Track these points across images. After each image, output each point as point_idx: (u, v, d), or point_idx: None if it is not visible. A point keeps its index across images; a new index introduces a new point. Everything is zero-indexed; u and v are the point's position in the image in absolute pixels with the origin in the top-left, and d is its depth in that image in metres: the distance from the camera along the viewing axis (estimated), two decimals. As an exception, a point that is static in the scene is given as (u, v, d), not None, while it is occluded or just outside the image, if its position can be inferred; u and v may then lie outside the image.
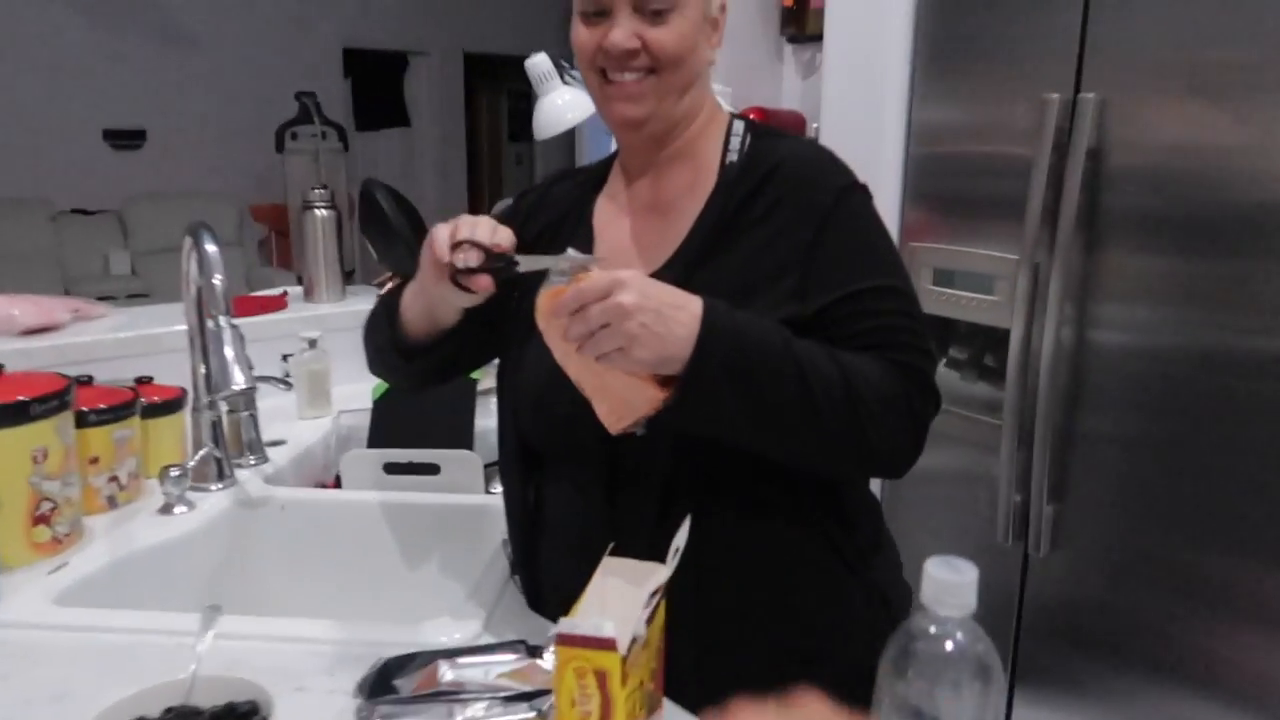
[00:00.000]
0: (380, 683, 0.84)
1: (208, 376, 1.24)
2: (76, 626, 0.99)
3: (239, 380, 1.09)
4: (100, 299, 2.38)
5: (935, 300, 1.83)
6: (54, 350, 1.60)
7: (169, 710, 0.83)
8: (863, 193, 0.93)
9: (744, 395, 0.80)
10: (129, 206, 5.97)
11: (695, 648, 0.88)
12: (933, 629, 0.53)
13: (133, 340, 1.67)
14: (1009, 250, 1.70)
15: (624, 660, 0.64)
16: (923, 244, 1.87)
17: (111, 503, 1.28)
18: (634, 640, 0.66)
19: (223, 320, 1.11)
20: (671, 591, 0.73)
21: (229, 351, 1.10)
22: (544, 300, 0.81)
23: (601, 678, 0.64)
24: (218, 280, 1.12)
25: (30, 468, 1.11)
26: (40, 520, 1.13)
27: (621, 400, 0.81)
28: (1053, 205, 1.60)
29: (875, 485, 1.08)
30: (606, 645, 0.64)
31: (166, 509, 1.26)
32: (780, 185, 0.91)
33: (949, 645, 0.53)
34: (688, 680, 0.84)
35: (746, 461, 0.86)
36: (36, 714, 0.84)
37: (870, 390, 0.83)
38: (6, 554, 1.10)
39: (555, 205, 1.05)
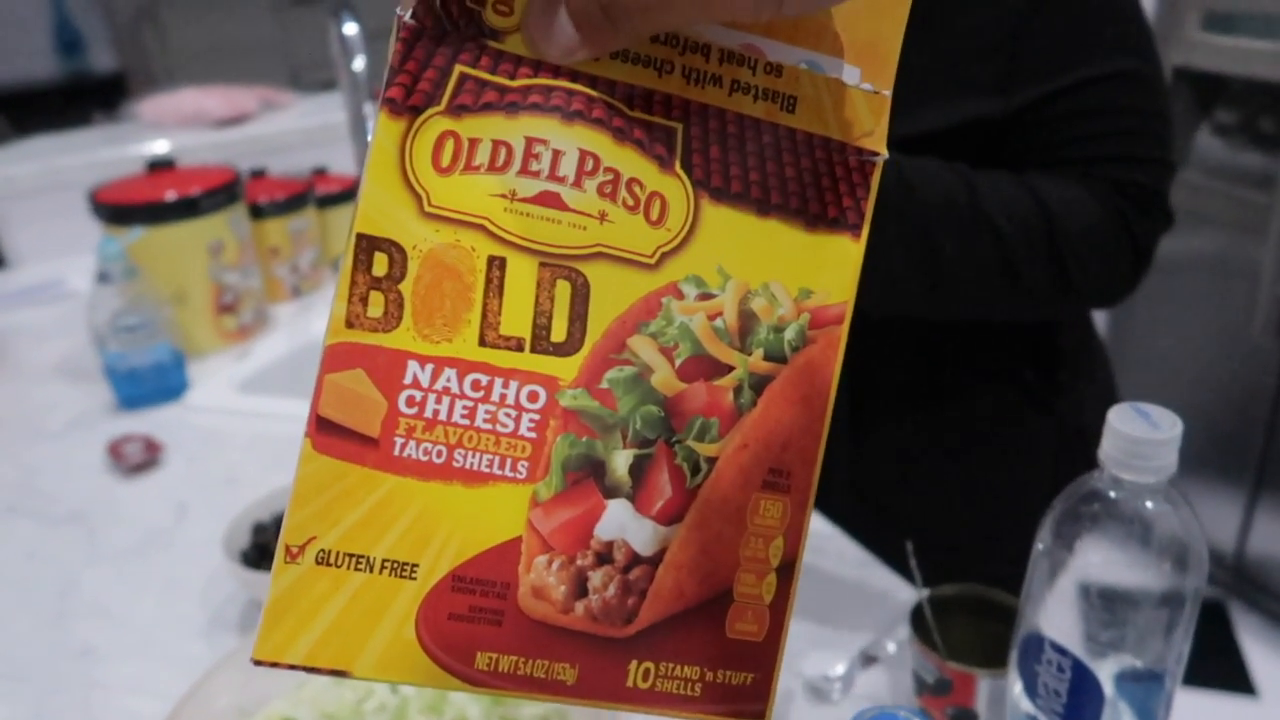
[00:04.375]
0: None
1: (365, 166, 1.21)
2: (254, 414, 1.03)
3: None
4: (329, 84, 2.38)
5: (1203, 51, 1.50)
6: (245, 141, 1.64)
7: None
8: None
9: (915, 246, 0.62)
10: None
11: (851, 483, 0.81)
12: (1113, 493, 0.41)
13: (315, 129, 1.68)
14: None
15: None
16: (1192, -22, 1.52)
17: (295, 292, 1.32)
18: None
19: (366, 107, 1.06)
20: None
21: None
22: None
23: None
24: (358, 65, 1.06)
25: (208, 260, 1.14)
26: (225, 310, 1.17)
27: None
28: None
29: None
30: None
31: (341, 299, 1.28)
32: None
33: (1131, 514, 0.41)
34: (843, 496, 0.78)
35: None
36: (209, 496, 0.89)
37: (1074, 222, 0.64)
38: (198, 341, 1.16)
39: None
